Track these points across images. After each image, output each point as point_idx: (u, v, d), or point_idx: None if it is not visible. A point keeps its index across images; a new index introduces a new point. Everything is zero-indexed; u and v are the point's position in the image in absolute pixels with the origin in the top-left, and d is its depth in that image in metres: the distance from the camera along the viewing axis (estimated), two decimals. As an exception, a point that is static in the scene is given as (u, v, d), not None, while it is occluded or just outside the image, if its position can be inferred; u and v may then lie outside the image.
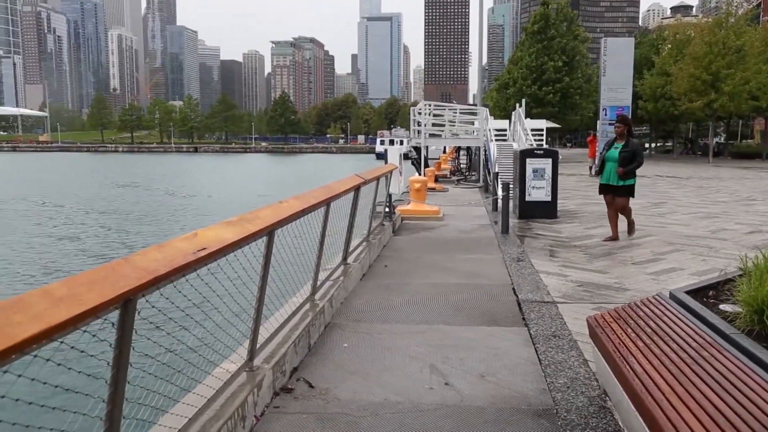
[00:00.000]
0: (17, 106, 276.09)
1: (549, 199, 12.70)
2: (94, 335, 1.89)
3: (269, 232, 3.54)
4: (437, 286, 7.03)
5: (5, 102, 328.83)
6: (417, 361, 4.59)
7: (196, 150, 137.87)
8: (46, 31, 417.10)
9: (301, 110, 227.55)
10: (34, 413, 1.85)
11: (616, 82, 27.14)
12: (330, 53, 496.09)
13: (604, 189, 9.81)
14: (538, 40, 52.91)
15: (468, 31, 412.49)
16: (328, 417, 3.64)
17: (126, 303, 2.04)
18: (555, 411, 3.73)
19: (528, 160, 12.67)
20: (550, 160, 12.71)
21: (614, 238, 9.85)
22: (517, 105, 24.68)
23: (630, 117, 10.25)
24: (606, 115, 27.20)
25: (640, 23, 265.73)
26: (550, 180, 12.63)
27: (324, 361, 4.59)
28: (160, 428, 2.78)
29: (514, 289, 6.84)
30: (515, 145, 21.03)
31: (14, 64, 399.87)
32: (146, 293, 2.16)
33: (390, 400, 3.87)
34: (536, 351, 4.80)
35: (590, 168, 27.45)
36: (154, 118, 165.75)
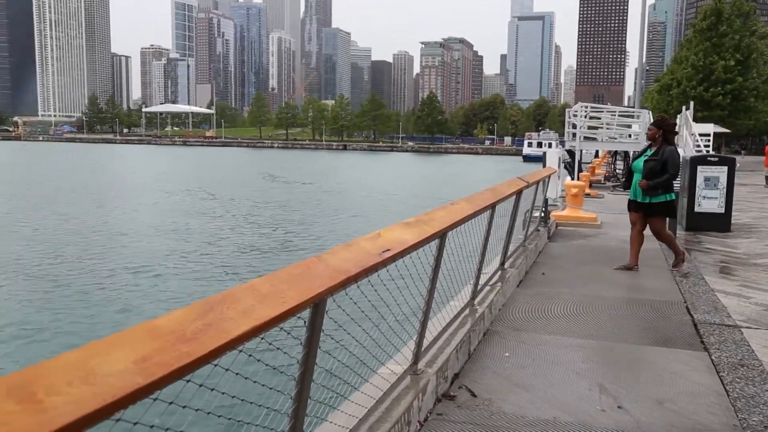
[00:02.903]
0: (189, 104, 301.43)
1: (722, 211, 11.61)
2: (288, 333, 1.89)
3: (442, 234, 3.46)
4: (599, 297, 6.62)
5: (179, 100, 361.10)
6: (584, 379, 4.31)
7: (345, 147, 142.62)
8: (216, 35, 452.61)
9: (448, 110, 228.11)
10: (233, 406, 1.88)
11: (801, 82, 24.39)
12: (479, 53, 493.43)
13: (631, 206, 8.15)
14: (707, 38, 49.03)
15: (625, 29, 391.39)
16: (494, 430, 3.48)
17: (318, 302, 2.03)
18: (751, 451, 3.32)
19: (699, 168, 11.71)
20: (725, 169, 11.65)
21: (631, 267, 8.08)
22: (684, 108, 22.96)
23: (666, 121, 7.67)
24: (788, 119, 24.53)
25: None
26: (725, 190, 11.56)
27: (484, 370, 4.44)
28: (332, 426, 2.78)
29: (687, 307, 6.28)
30: (681, 151, 19.57)
31: (188, 66, 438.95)
32: (335, 293, 2.14)
33: (560, 419, 3.64)
34: (721, 380, 4.33)
35: (766, 178, 25.00)
36: (307, 116, 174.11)
